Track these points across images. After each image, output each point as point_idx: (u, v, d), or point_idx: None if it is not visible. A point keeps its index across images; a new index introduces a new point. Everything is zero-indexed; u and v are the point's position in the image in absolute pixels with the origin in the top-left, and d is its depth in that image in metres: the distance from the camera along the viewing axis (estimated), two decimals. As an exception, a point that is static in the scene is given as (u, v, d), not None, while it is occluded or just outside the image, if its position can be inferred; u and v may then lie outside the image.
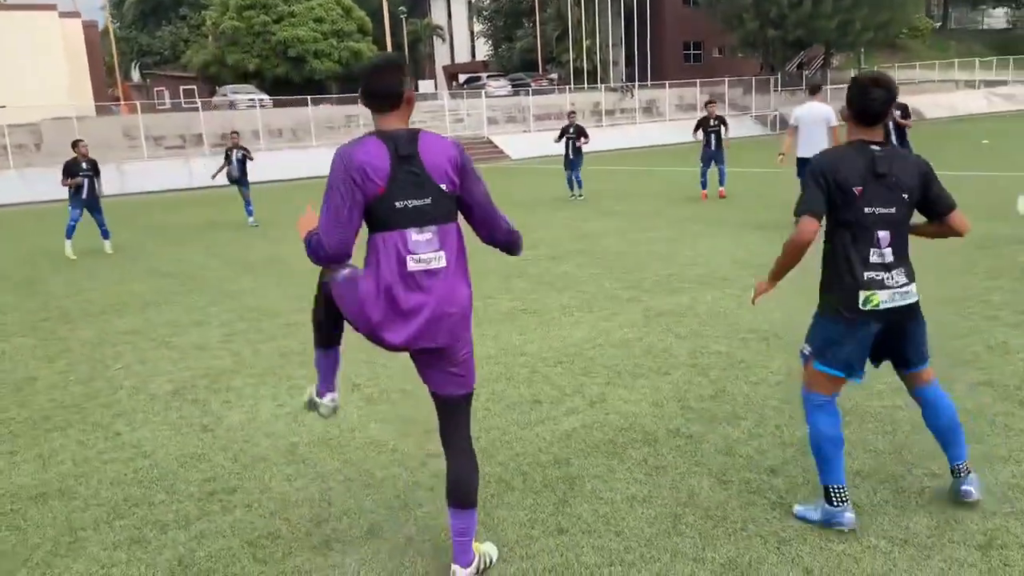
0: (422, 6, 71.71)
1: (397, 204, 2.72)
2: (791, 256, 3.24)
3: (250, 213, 15.88)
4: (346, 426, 4.84)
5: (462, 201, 2.88)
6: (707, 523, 3.43)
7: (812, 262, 3.37)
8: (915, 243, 3.30)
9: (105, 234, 12.92)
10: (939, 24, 67.79)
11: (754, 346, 5.93)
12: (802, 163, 11.46)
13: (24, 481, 4.35)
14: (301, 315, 7.77)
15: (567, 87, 41.89)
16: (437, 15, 71.46)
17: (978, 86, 56.82)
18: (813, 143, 11.23)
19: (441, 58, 70.64)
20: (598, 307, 7.44)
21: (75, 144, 12.71)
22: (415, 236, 2.74)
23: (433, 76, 69.17)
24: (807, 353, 3.33)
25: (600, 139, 38.22)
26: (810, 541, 3.24)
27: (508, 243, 3.06)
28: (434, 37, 68.33)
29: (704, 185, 15.55)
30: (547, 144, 37.15)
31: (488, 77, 44.02)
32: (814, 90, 11.96)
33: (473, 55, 70.41)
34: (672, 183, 19.50)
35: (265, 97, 37.23)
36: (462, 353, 2.94)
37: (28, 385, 6.10)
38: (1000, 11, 71.74)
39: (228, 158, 15.72)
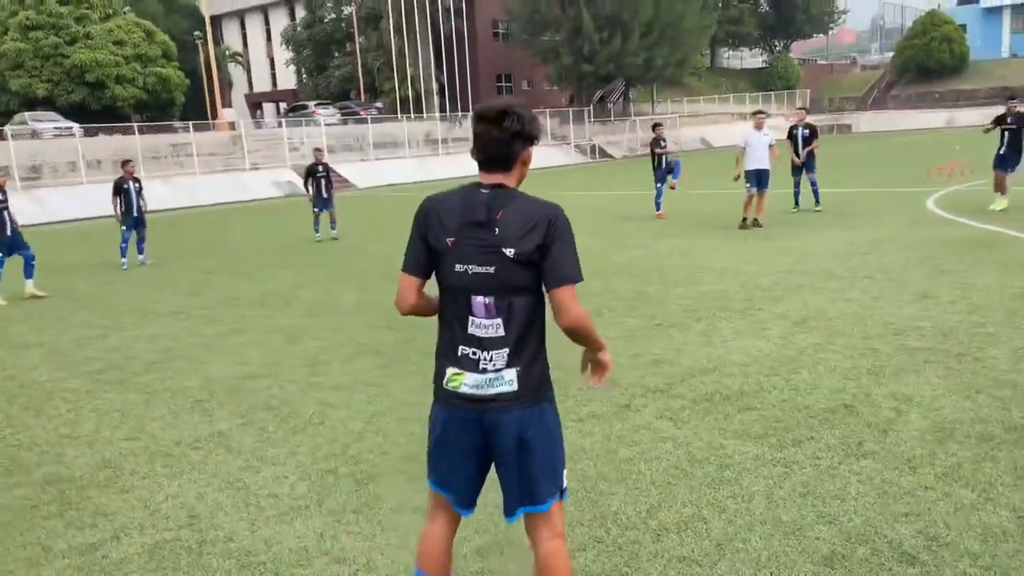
0: (214, 32, 68.15)
1: None
2: None
3: (141, 251, 14.16)
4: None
5: None
6: None
7: None
8: None
9: (29, 272, 11.14)
10: (709, 64, 74.91)
11: (970, 329, 6.35)
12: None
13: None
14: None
15: (404, 116, 41.66)
16: (231, 41, 68.31)
17: (748, 118, 63.43)
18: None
19: (240, 86, 67.45)
20: (731, 319, 7.57)
21: None
22: None
23: (230, 104, 65.85)
24: None
25: (439, 168, 38.44)
26: None
27: None
28: (231, 65, 65.12)
29: (659, 207, 16.14)
30: (390, 173, 37.01)
31: (316, 105, 42.65)
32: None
33: (274, 83, 68.00)
34: (583, 202, 20.00)
35: (74, 125, 33.60)
36: None
37: (313, 425, 5.20)
38: (756, 52, 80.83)
39: (125, 191, 13.82)
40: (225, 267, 13.29)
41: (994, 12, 70.12)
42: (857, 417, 4.89)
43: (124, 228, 13.82)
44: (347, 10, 50.74)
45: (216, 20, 65.88)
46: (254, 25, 69.11)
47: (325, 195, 16.28)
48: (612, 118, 52.50)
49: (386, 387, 6.12)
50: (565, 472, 2.76)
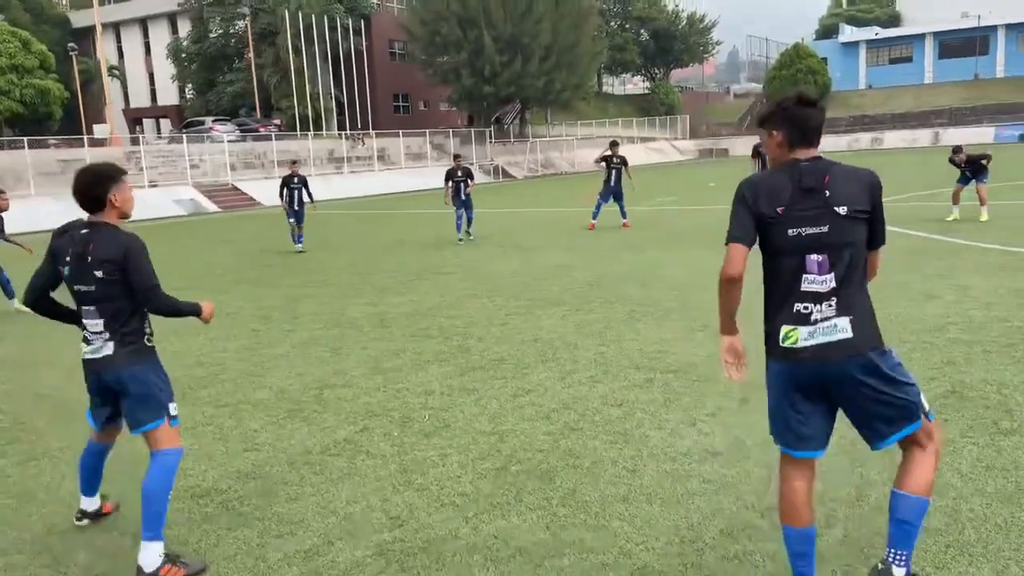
0: (85, 44, 64.51)
1: None
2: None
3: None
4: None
5: None
6: None
7: None
8: None
9: (10, 293, 10.41)
10: (598, 89, 77.28)
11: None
12: None
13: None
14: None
15: (306, 134, 40.73)
16: (106, 54, 64.78)
17: (636, 141, 65.95)
18: None
19: (116, 101, 64.00)
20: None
21: None
22: None
23: (104, 120, 62.39)
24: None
25: (343, 186, 37.77)
26: None
27: None
28: (106, 78, 61.74)
29: (595, 216, 16.62)
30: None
31: (214, 121, 41.10)
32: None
33: (154, 98, 65.02)
34: (535, 219, 20.20)
35: (-47, 139, 31.08)
36: None
37: (440, 428, 5.02)
38: (638, 79, 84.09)
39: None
40: (192, 284, 12.66)
41: (851, 47, 75.97)
42: (971, 401, 5.25)
43: None
44: (240, 24, 49.23)
45: (90, 32, 62.49)
46: (131, 38, 65.98)
47: (297, 207, 15.98)
48: (512, 140, 53.21)
49: (480, 391, 6.06)
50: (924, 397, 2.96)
